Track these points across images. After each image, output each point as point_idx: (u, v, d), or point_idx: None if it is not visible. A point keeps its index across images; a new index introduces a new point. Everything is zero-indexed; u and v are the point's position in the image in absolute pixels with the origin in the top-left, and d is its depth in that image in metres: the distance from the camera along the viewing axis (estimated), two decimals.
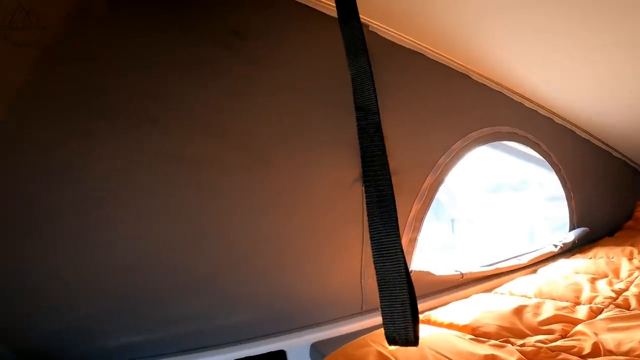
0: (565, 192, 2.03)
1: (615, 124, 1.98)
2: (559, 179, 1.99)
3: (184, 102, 0.96)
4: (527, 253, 1.87)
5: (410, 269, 1.42)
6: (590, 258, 1.79)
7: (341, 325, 1.27)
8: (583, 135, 2.08)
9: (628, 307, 1.23)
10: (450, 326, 1.17)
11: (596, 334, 1.05)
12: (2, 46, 0.74)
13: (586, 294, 1.36)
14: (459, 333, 1.11)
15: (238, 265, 1.10)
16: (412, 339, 0.51)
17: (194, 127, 0.99)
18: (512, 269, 1.74)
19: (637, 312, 1.18)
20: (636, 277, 1.48)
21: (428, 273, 1.47)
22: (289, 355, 1.17)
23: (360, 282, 1.31)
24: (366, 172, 0.56)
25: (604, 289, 1.39)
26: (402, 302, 0.51)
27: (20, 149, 0.83)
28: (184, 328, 1.06)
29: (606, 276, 1.54)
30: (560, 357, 0.96)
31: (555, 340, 1.06)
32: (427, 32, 1.28)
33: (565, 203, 2.05)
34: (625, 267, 1.61)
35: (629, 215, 2.47)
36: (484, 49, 1.38)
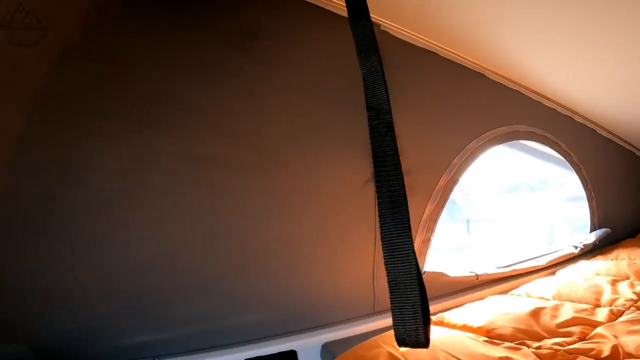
0: (586, 192, 1.97)
1: (630, 120, 1.91)
2: (580, 178, 1.94)
3: (195, 102, 0.97)
4: (546, 254, 1.82)
5: (423, 270, 1.40)
6: (612, 259, 1.74)
7: (353, 326, 1.27)
8: (604, 134, 2.01)
9: None
10: (464, 328, 1.15)
11: (616, 337, 1.03)
12: (6, 47, 0.75)
13: (607, 296, 1.33)
14: (472, 335, 1.09)
15: (249, 265, 1.10)
16: (422, 341, 0.50)
17: (205, 128, 1.00)
18: (529, 270, 1.70)
19: None
20: None
21: (442, 274, 1.45)
22: (300, 356, 1.17)
23: (373, 282, 1.30)
24: (378, 172, 0.56)
25: (625, 291, 1.35)
26: (412, 303, 0.51)
27: (35, 149, 0.84)
28: (195, 327, 1.07)
29: (627, 278, 1.49)
30: (577, 359, 0.94)
31: (573, 342, 1.04)
32: (442, 32, 1.26)
33: (586, 203, 1.99)
34: None
35: None
36: (503, 49, 1.35)
